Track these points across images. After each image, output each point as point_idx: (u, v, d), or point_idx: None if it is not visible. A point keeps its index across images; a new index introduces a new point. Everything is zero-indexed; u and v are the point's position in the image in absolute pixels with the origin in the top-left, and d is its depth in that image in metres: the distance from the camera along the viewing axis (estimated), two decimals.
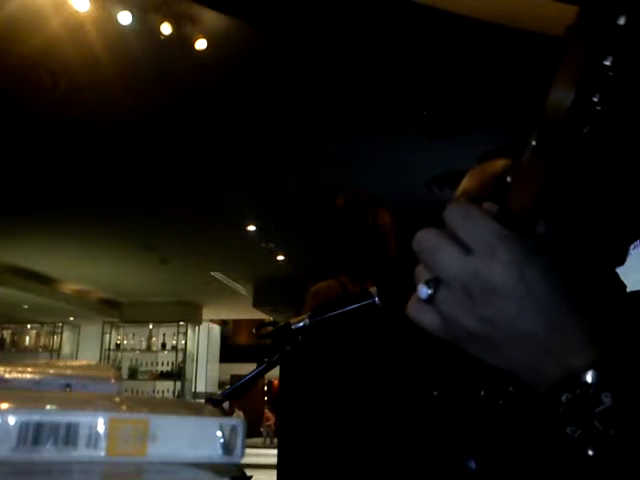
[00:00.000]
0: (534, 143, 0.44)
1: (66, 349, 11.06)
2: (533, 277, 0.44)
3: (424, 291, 0.46)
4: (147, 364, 10.43)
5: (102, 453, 0.34)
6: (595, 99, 0.41)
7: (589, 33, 0.40)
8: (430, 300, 0.46)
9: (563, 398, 0.42)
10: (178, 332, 10.45)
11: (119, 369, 9.64)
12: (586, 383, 0.42)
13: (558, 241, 0.47)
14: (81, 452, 0.34)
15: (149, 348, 10.46)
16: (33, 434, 0.33)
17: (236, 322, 14.59)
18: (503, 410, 0.59)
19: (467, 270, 0.44)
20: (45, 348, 10.95)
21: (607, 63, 0.40)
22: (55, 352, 10.87)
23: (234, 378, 12.85)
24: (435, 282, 0.46)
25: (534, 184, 0.45)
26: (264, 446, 12.21)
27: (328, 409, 1.77)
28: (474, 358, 0.48)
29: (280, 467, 1.84)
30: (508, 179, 0.47)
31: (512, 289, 0.44)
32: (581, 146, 0.43)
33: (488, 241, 0.44)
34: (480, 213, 0.46)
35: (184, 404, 0.39)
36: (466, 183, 0.90)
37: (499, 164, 0.92)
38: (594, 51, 0.40)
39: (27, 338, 11.11)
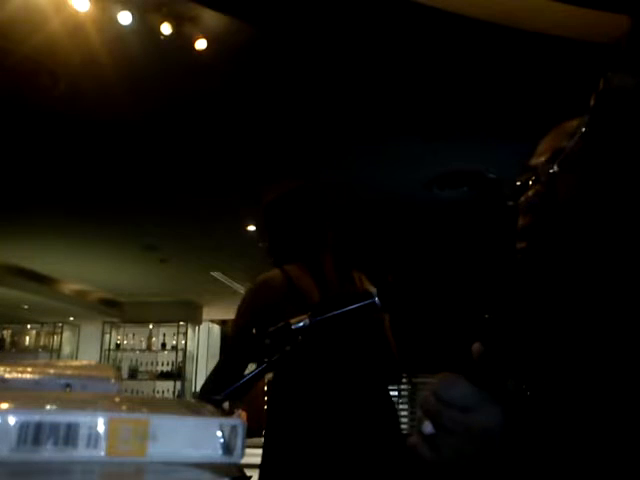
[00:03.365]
0: (584, 129, 0.45)
1: (66, 349, 11.05)
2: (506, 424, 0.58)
3: (429, 429, 0.62)
4: (147, 364, 10.41)
5: (102, 453, 0.34)
6: None
7: None
8: (431, 437, 0.62)
9: None
10: (178, 332, 10.43)
11: (119, 369, 9.64)
12: None
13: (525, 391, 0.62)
14: (81, 452, 0.34)
15: (149, 348, 10.44)
16: (33, 434, 0.33)
17: None
18: (529, 397, 0.63)
19: (465, 422, 0.60)
20: (45, 348, 10.92)
21: None
22: (55, 352, 10.85)
23: None
24: (439, 427, 0.61)
25: (582, 172, 0.46)
26: None
27: (325, 411, 1.77)
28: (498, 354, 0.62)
29: (263, 468, 1.79)
30: (555, 168, 0.49)
31: (495, 433, 0.59)
32: (635, 135, 0.42)
33: (476, 402, 0.60)
34: (464, 381, 0.62)
35: (184, 404, 0.39)
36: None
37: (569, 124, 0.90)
38: None
39: (27, 338, 11.09)
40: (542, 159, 0.84)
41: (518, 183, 0.85)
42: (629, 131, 0.44)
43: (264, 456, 1.79)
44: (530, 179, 0.82)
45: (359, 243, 2.20)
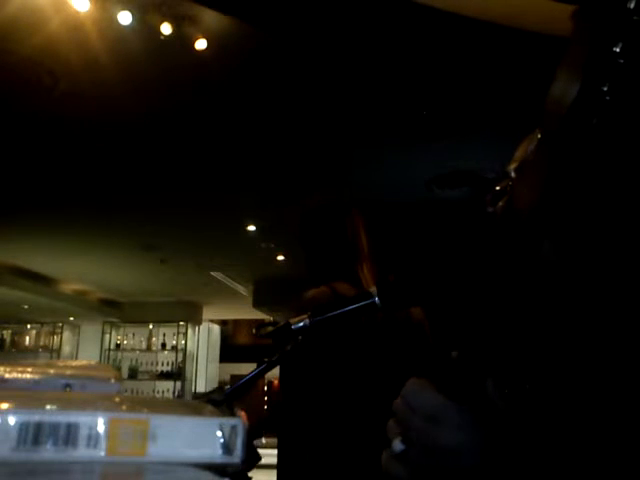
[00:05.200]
0: (539, 136, 0.44)
1: (66, 349, 11.06)
2: (471, 436, 0.56)
3: (398, 446, 0.59)
4: (147, 364, 10.43)
5: (102, 453, 0.34)
6: (604, 88, 0.39)
7: (597, 18, 0.38)
8: (402, 454, 0.58)
9: None
10: (178, 332, 10.44)
11: (119, 369, 9.63)
12: None
13: (499, 398, 0.58)
14: (81, 452, 0.34)
15: (149, 348, 10.46)
16: (33, 434, 0.33)
17: (236, 322, 14.59)
18: (511, 402, 0.61)
19: (426, 433, 0.57)
20: (45, 348, 10.94)
21: (617, 49, 0.38)
22: (55, 352, 10.86)
23: (234, 378, 12.84)
24: (406, 440, 0.58)
25: (539, 178, 0.45)
26: None
27: (329, 409, 1.77)
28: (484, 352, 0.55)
29: (280, 467, 1.84)
30: (512, 174, 0.48)
31: (455, 446, 0.56)
32: (590, 138, 0.41)
33: (437, 411, 0.57)
34: (431, 387, 0.59)
35: (184, 404, 0.39)
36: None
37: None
38: (603, 37, 0.37)
39: (27, 338, 11.10)
40: (515, 165, 0.84)
41: (497, 188, 0.86)
42: (578, 136, 0.44)
43: (279, 457, 1.81)
44: (508, 185, 0.82)
45: (394, 255, 2.20)
